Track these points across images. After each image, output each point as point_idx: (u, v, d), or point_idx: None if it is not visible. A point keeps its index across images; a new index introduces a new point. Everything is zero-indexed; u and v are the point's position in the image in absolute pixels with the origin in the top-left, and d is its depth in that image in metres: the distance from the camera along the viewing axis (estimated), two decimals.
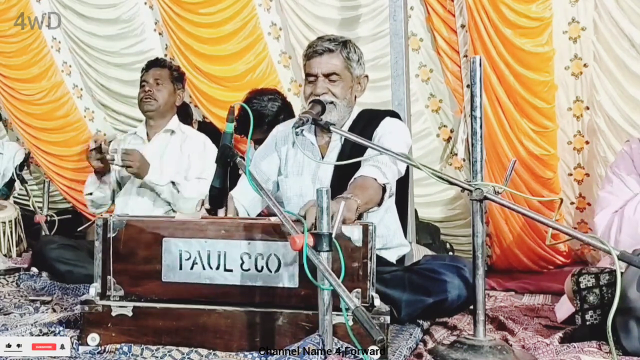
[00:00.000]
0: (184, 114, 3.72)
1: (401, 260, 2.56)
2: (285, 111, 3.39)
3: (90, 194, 3.22)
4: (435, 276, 2.22)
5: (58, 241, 3.25)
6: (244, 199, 2.44)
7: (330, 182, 2.38)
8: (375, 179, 2.16)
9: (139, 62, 3.53)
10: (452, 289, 2.19)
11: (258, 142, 3.24)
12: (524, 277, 3.46)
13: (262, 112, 3.32)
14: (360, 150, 2.29)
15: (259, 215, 2.55)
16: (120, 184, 3.33)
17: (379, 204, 2.21)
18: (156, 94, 3.24)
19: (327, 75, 2.37)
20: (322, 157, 2.46)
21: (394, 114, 2.58)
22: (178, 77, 3.36)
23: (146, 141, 3.32)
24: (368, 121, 2.46)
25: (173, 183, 3.14)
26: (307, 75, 2.43)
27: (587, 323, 2.00)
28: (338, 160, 2.38)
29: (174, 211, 3.18)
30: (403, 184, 2.54)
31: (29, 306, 2.47)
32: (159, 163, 3.20)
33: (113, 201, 3.31)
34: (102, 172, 3.12)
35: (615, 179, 2.33)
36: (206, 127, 4.05)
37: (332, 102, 2.36)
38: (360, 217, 2.07)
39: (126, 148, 3.14)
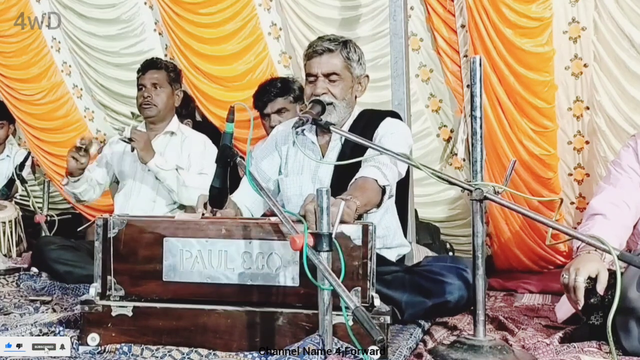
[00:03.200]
0: (186, 103, 3.73)
1: (401, 259, 2.56)
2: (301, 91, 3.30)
3: (67, 184, 3.18)
4: (437, 277, 2.22)
5: (57, 242, 3.24)
6: (247, 200, 2.43)
7: (330, 182, 2.38)
8: (376, 180, 2.16)
9: (138, 62, 3.52)
10: (454, 291, 2.18)
11: (280, 111, 3.25)
12: (524, 277, 3.45)
13: (286, 80, 3.33)
14: (361, 150, 2.29)
15: (263, 216, 2.55)
16: (119, 181, 3.32)
17: (378, 206, 2.21)
18: (155, 98, 3.23)
19: (327, 75, 2.37)
20: (323, 157, 2.46)
21: (395, 115, 2.58)
22: (175, 78, 3.34)
23: None
24: (369, 121, 2.46)
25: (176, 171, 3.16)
26: (307, 75, 2.42)
27: (590, 322, 2.00)
28: (338, 160, 2.37)
29: (179, 208, 3.19)
30: (403, 184, 2.54)
31: (29, 306, 2.47)
32: None
33: (91, 198, 3.28)
34: (73, 173, 3.05)
35: (613, 170, 2.33)
36: (200, 128, 4.04)
37: (331, 103, 2.36)
38: (359, 218, 2.07)
39: (138, 128, 3.16)
